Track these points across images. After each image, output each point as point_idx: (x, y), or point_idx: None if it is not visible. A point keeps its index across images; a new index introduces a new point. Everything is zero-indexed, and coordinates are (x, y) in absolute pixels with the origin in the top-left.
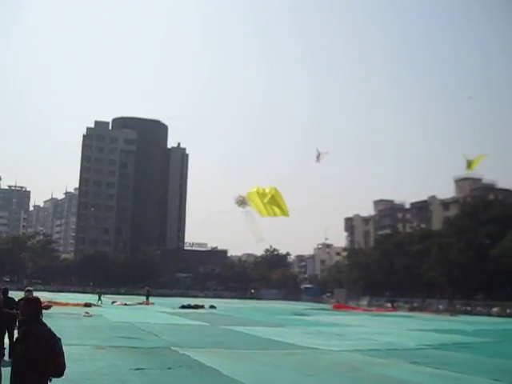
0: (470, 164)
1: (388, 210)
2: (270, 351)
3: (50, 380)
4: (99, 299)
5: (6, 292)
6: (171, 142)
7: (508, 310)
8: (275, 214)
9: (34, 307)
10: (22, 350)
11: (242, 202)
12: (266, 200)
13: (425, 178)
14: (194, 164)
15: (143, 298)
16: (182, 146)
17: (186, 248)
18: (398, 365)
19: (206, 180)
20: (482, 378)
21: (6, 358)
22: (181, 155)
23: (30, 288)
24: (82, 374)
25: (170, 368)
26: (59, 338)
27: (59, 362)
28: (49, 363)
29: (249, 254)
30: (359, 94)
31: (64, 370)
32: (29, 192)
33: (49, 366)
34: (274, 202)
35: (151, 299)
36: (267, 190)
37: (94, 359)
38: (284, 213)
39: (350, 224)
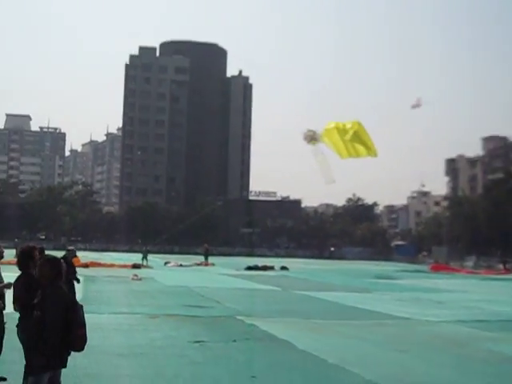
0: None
1: (500, 149)
2: (354, 322)
3: (69, 353)
4: (144, 259)
5: (42, 252)
6: (231, 70)
7: None
8: (359, 155)
9: (55, 268)
10: (37, 317)
11: (311, 137)
12: (347, 137)
13: None
14: (258, 96)
15: (201, 258)
16: (244, 74)
17: (251, 198)
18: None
19: (274, 116)
20: None
21: None
22: (243, 86)
23: (71, 247)
24: (132, 347)
25: (235, 341)
26: (81, 306)
27: (81, 333)
28: (68, 334)
29: (327, 205)
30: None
31: (86, 343)
32: (64, 134)
33: (68, 337)
34: (357, 140)
35: (211, 259)
36: (349, 126)
37: (146, 330)
38: (371, 152)
39: (452, 167)
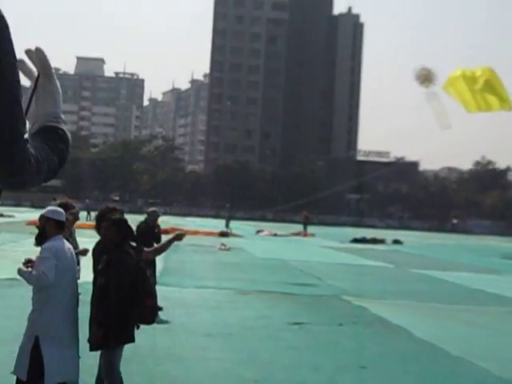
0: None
1: None
2: (483, 308)
3: (138, 327)
4: (227, 226)
5: (122, 214)
6: (339, 7)
7: None
8: (491, 108)
9: (122, 231)
10: (101, 284)
11: (425, 77)
12: (477, 87)
13: None
14: (370, 38)
15: (299, 227)
16: (353, 12)
17: (359, 159)
18: None
19: (388, 60)
20: None
21: None
22: (352, 25)
23: (152, 208)
24: (220, 326)
25: (340, 324)
26: (151, 274)
27: (150, 304)
28: (136, 305)
29: (450, 168)
30: None
31: (156, 315)
32: (142, 81)
33: (135, 308)
34: (489, 90)
35: (310, 229)
36: (479, 73)
37: (236, 308)
38: (505, 105)
39: None
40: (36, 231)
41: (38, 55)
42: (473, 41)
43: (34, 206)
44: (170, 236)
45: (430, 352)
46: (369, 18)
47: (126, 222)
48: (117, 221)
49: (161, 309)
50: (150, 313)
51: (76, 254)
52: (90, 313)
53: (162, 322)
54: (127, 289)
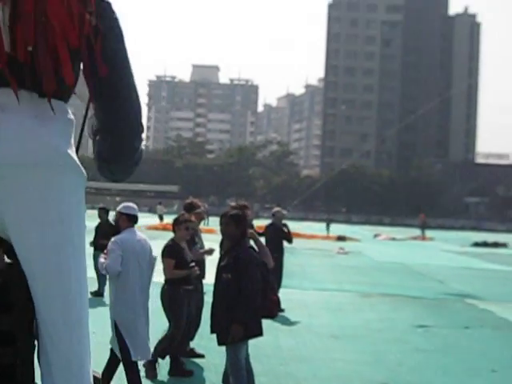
0: None
1: None
2: None
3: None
4: (423, 232)
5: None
6: (455, 7)
7: None
8: None
9: (241, 226)
10: (228, 280)
11: None
12: None
13: None
14: (489, 38)
15: (417, 231)
16: (470, 11)
17: (478, 162)
18: None
19: (508, 61)
20: None
21: None
22: (469, 25)
23: (278, 208)
24: (344, 328)
25: (467, 327)
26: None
27: (275, 298)
28: (263, 300)
29: None
30: None
31: (278, 310)
32: (256, 87)
33: (263, 303)
34: None
35: (428, 233)
36: None
37: (359, 310)
38: None
39: None
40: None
41: None
42: None
43: (150, 211)
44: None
45: None
46: (486, 17)
47: (244, 216)
48: (235, 216)
49: (282, 310)
50: (275, 306)
51: (202, 253)
52: (216, 308)
53: (285, 323)
54: (259, 283)
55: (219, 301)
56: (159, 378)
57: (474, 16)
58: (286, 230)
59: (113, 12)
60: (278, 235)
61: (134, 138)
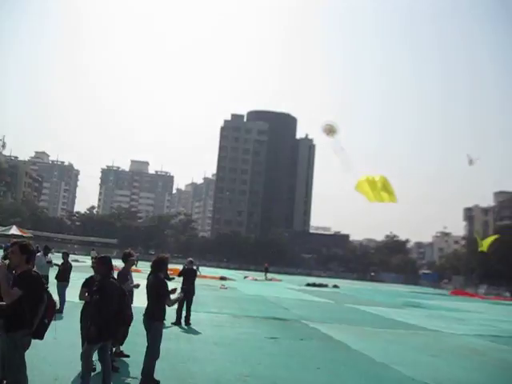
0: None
1: (508, 201)
2: (394, 330)
3: (125, 331)
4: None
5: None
6: (300, 134)
7: None
8: (383, 200)
9: (106, 264)
10: (96, 300)
11: (330, 130)
12: (376, 186)
13: None
14: (320, 153)
15: (272, 275)
16: (309, 137)
17: (311, 231)
18: None
19: (331, 168)
20: None
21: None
22: (308, 145)
23: (191, 259)
24: (223, 338)
25: (302, 339)
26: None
27: (129, 313)
28: (121, 313)
29: (370, 240)
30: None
31: (132, 320)
32: (172, 177)
33: (121, 316)
34: (383, 189)
35: (278, 276)
36: (377, 178)
37: (232, 326)
38: (392, 198)
39: (469, 214)
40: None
41: None
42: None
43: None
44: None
45: (362, 359)
46: (319, 140)
47: (108, 258)
48: (102, 258)
49: (190, 324)
50: (130, 318)
51: (132, 286)
52: (86, 316)
53: (185, 333)
54: (115, 303)
55: (91, 313)
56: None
57: (311, 140)
58: (195, 271)
59: None
60: (191, 275)
61: None
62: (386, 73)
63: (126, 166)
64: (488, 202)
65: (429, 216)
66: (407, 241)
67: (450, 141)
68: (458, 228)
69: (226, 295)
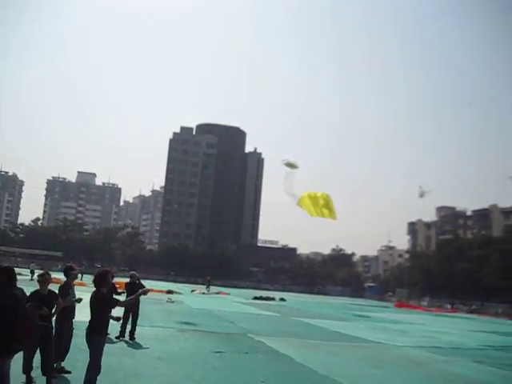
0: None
1: (450, 216)
2: (338, 343)
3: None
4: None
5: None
6: (248, 147)
7: None
8: (323, 215)
9: (7, 276)
10: None
11: (289, 164)
12: (317, 202)
13: (486, 185)
14: (268, 167)
15: (219, 288)
16: (258, 151)
17: (259, 245)
18: (461, 363)
19: (280, 183)
20: None
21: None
22: (257, 159)
23: (134, 272)
24: (167, 352)
25: (247, 353)
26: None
27: (27, 328)
28: (13, 329)
29: (316, 253)
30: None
31: (32, 337)
32: (120, 189)
33: (13, 331)
34: (324, 206)
35: (225, 289)
36: (319, 195)
37: (177, 340)
38: (332, 215)
39: (412, 228)
40: None
41: None
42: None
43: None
44: (140, 291)
45: (306, 372)
46: (268, 154)
47: (10, 270)
48: (3, 269)
49: (134, 338)
50: (27, 335)
51: (73, 301)
52: None
53: (128, 348)
54: (6, 314)
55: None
56: None
57: (260, 154)
58: (139, 285)
59: None
60: (134, 288)
61: None
62: (342, 85)
63: (72, 178)
64: (431, 216)
65: (374, 230)
66: (353, 254)
67: (397, 159)
68: (402, 242)
69: (173, 309)
